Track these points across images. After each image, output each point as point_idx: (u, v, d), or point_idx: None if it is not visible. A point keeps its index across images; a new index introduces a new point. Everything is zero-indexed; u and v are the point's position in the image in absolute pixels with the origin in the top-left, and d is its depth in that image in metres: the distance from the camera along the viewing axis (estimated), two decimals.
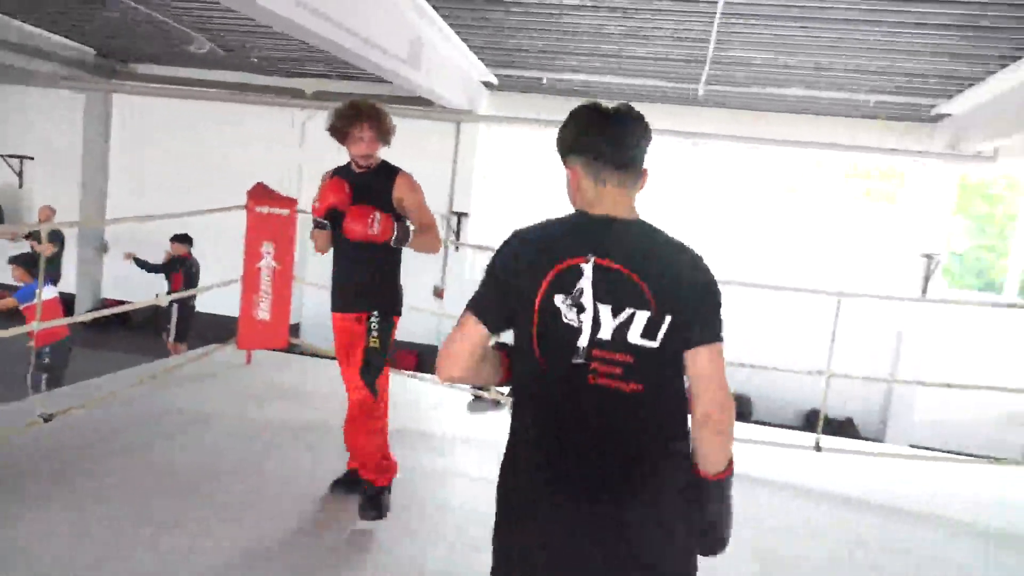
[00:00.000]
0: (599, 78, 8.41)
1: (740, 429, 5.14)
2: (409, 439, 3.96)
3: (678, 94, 8.80)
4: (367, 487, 3.05)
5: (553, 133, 1.68)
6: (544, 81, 8.77)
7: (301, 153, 10.55)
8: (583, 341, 1.42)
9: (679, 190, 9.70)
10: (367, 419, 3.04)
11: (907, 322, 9.09)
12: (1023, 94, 6.30)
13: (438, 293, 10.18)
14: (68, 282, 10.35)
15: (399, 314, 3.14)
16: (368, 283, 3.05)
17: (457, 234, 9.96)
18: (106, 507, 3.00)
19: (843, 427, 8.77)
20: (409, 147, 10.16)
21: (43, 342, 6.15)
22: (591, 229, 1.50)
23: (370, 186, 3.00)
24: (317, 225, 3.04)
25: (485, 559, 1.59)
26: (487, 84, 9.43)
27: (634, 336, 1.42)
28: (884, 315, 8.97)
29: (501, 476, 1.54)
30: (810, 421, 8.72)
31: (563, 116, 1.71)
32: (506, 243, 1.54)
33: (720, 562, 1.42)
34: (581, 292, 1.42)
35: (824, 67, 6.99)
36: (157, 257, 8.33)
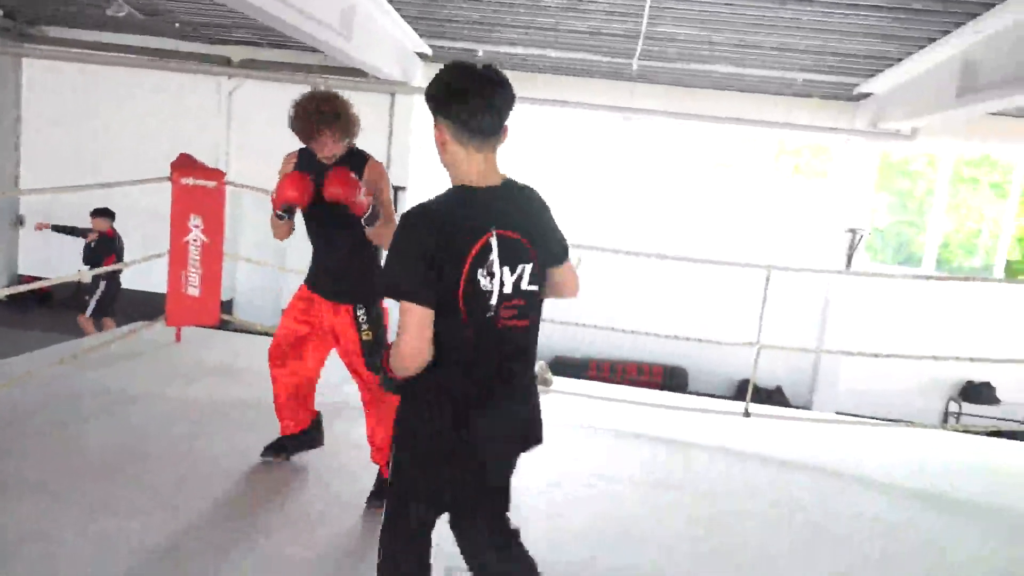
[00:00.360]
0: (536, 51, 8.37)
1: (674, 398, 5.31)
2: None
3: (613, 69, 8.85)
4: (380, 475, 3.06)
5: None
6: (480, 53, 8.67)
7: (228, 124, 10.20)
8: (494, 300, 1.76)
9: (612, 165, 9.82)
10: (381, 405, 3.00)
11: (833, 295, 9.46)
12: (940, 75, 6.56)
13: None
14: None
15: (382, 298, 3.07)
16: (347, 271, 2.98)
17: (395, 208, 9.83)
18: (29, 489, 2.89)
19: (772, 396, 9.11)
20: None
21: None
22: (486, 203, 1.77)
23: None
24: (277, 215, 2.94)
25: None
26: (421, 55, 9.28)
27: (524, 284, 1.81)
28: (811, 288, 9.32)
29: (424, 418, 1.83)
30: (742, 391, 9.03)
31: None
32: (415, 224, 1.72)
33: (662, 524, 1.47)
34: (492, 263, 1.74)
35: (751, 44, 7.12)
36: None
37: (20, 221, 10.90)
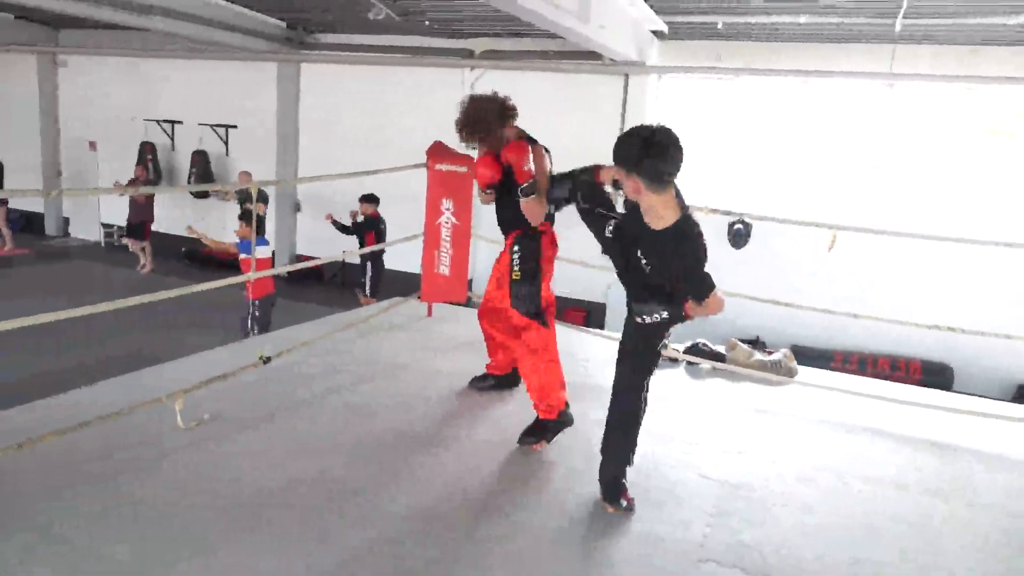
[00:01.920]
0: (783, 19, 7.81)
1: (941, 397, 4.72)
2: (578, 392, 4.00)
3: (872, 31, 8.01)
4: (541, 419, 3.43)
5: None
6: (720, 26, 8.30)
7: None
8: None
9: (871, 137, 8.91)
10: (530, 354, 3.41)
11: None
12: None
13: None
14: (268, 239, 11.38)
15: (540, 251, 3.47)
16: (513, 220, 3.47)
17: None
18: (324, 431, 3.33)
19: None
20: (577, 101, 10.22)
21: (255, 295, 6.83)
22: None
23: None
24: (484, 192, 3.55)
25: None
26: (657, 33, 9.09)
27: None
28: None
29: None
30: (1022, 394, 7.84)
31: (741, 63, 1.73)
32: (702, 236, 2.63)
33: (936, 536, 1.26)
34: None
35: None
36: (343, 216, 8.96)
37: (298, 207, 12.49)
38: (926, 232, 5.75)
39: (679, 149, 2.49)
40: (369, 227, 8.58)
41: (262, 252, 6.87)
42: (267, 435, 3.39)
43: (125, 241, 12.60)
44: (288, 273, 10.83)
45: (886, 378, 7.18)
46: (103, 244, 14.23)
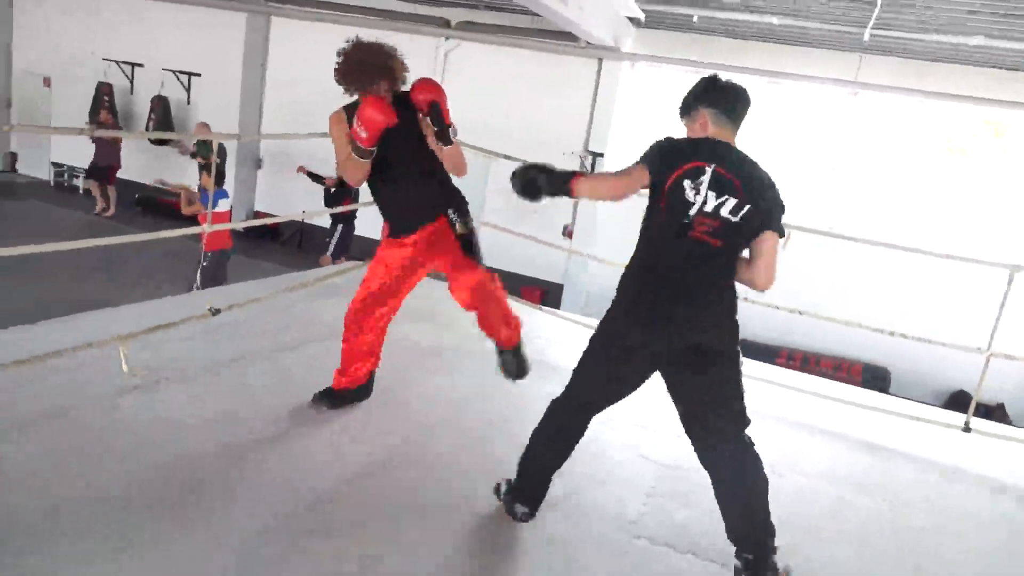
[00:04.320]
0: (758, 18, 7.92)
1: (879, 399, 4.90)
2: (536, 370, 4.04)
3: (840, 38, 8.17)
4: (508, 349, 3.33)
5: (698, 75, 2.46)
6: (695, 19, 8.37)
7: (443, 82, 10.67)
8: (693, 210, 2.26)
9: (832, 142, 9.11)
10: (490, 296, 3.14)
11: None
12: None
13: (567, 232, 10.19)
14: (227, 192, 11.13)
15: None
16: (434, 190, 3.08)
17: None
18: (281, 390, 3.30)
19: (992, 412, 8.14)
20: (549, 82, 10.20)
21: (210, 247, 6.69)
22: (715, 147, 2.35)
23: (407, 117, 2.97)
24: (363, 155, 2.85)
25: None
26: (633, 20, 9.12)
27: (724, 212, 2.26)
28: None
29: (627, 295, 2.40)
30: (955, 402, 8.16)
31: (713, 59, 1.85)
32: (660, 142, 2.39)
33: (860, 528, 1.31)
34: (702, 182, 2.25)
35: (1016, 14, 6.25)
36: (303, 178, 8.83)
37: (259, 163, 12.23)
38: (877, 238, 5.94)
39: (746, 95, 2.42)
40: (346, 192, 8.47)
41: (223, 205, 6.73)
42: (208, 388, 3.34)
43: (86, 183, 12.20)
44: (244, 230, 10.63)
45: (828, 378, 7.45)
46: (52, 183, 13.74)
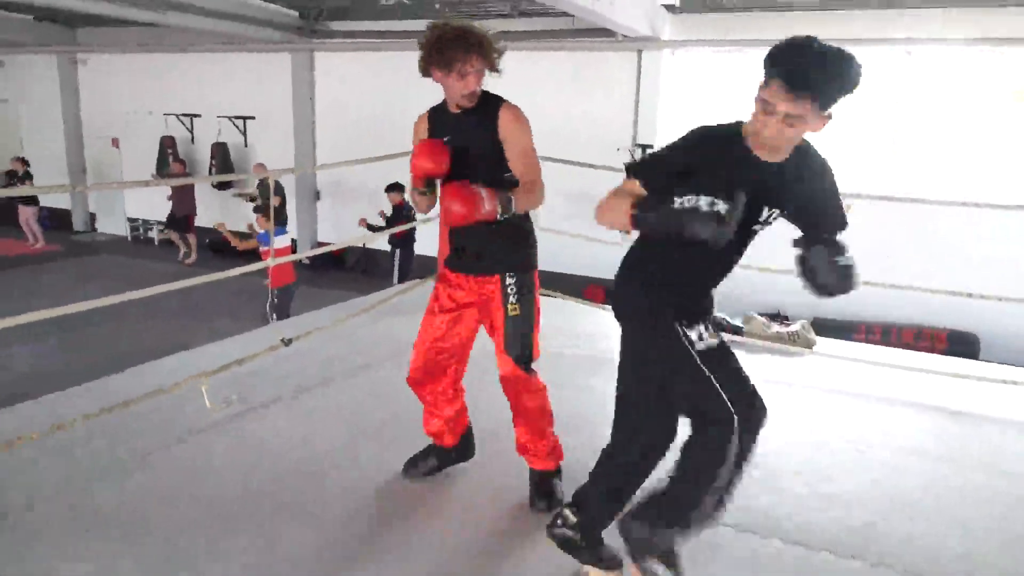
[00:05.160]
0: None
1: (962, 365, 4.68)
2: (598, 367, 4.03)
3: None
4: (538, 471, 2.74)
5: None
6: None
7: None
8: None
9: (893, 103, 8.76)
10: (521, 394, 2.64)
11: None
12: None
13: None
14: (288, 228, 11.52)
15: (535, 267, 2.65)
16: (493, 240, 2.52)
17: None
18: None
19: None
20: (590, 80, 10.17)
21: (276, 284, 6.98)
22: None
23: (471, 131, 2.49)
24: (419, 192, 2.56)
25: None
26: (668, 7, 9.02)
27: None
28: None
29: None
30: None
31: (755, 35, 1.70)
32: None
33: (952, 501, 1.25)
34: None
35: None
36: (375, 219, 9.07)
37: (317, 195, 12.61)
38: (949, 198, 5.68)
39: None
40: (396, 218, 8.66)
41: (280, 241, 6.99)
42: (283, 415, 3.47)
43: (166, 233, 12.89)
44: (310, 260, 10.96)
45: (911, 349, 7.15)
46: (129, 238, 14.49)
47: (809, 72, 1.78)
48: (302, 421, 3.42)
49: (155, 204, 13.15)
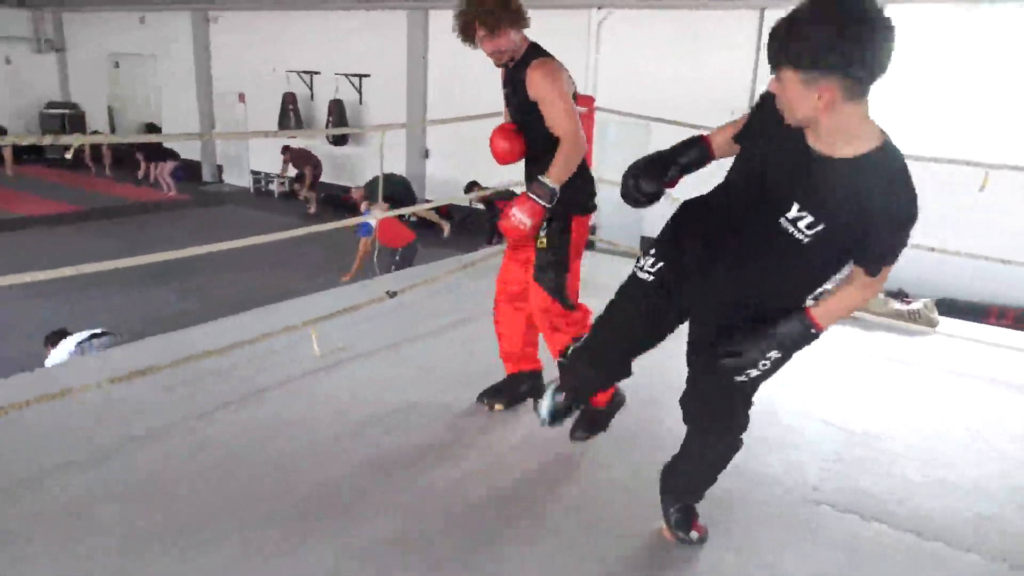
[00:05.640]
0: None
1: None
2: None
3: None
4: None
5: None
6: None
7: (597, 53, 10.57)
8: None
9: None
10: (560, 327, 2.71)
11: None
12: None
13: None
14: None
15: (583, 211, 2.73)
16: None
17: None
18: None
19: None
20: (707, 40, 9.76)
21: (398, 244, 7.58)
22: None
23: (514, 88, 2.69)
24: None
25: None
26: None
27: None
28: None
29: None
30: None
31: None
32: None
33: None
34: None
35: None
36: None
37: (426, 154, 12.83)
38: None
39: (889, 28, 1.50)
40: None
41: (373, 219, 7.40)
42: (388, 362, 3.60)
43: (293, 189, 13.66)
44: (418, 220, 11.21)
45: None
46: (252, 190, 15.29)
47: (770, 45, 1.57)
48: (400, 369, 3.53)
49: (276, 158, 13.78)
